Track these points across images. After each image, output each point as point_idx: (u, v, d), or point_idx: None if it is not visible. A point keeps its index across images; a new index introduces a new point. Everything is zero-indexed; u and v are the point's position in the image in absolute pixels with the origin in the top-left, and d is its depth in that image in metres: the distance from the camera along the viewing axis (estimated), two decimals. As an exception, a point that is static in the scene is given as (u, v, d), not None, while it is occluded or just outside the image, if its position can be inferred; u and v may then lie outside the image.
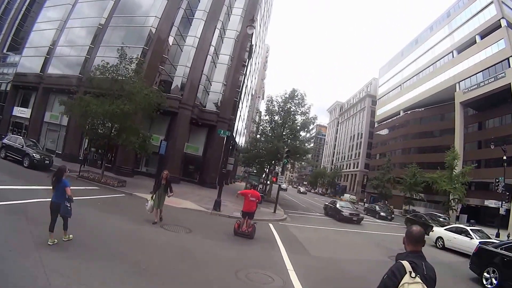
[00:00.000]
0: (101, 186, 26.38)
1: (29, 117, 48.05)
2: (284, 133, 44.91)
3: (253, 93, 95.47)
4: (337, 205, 38.32)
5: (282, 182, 34.49)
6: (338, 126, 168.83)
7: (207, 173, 46.52)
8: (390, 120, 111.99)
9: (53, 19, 50.54)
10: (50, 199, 10.01)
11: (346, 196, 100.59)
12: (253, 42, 33.76)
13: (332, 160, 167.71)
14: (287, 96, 46.10)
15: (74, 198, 10.38)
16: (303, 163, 59.28)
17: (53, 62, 47.65)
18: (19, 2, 75.46)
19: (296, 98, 45.89)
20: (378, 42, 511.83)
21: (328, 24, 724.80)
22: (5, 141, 30.15)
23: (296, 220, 30.96)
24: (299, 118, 46.18)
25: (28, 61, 50.86)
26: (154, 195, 16.38)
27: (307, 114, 46.14)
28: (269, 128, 47.00)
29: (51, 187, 10.19)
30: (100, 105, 27.14)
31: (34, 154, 27.88)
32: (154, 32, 41.83)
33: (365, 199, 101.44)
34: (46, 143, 46.01)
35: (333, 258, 16.86)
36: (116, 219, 15.97)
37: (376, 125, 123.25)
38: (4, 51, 70.57)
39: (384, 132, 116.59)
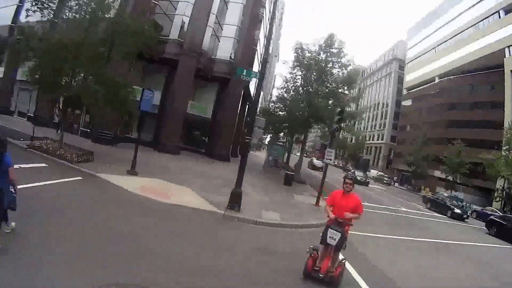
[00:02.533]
0: (55, 162, 17.87)
1: (1, 76, 40.17)
2: (320, 91, 34.03)
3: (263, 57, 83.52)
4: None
5: (330, 159, 23.73)
6: (358, 92, 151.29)
7: (218, 141, 36.63)
8: (423, 87, 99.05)
9: None
10: None
11: (373, 172, 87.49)
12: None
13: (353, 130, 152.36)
14: (322, 43, 34.66)
15: None
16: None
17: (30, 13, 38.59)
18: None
19: (334, 46, 34.51)
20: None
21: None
22: None
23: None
24: (338, 72, 35.30)
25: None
26: None
27: (347, 68, 35.16)
28: (299, 83, 36.17)
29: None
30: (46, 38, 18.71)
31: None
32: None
33: (395, 177, 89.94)
34: (18, 105, 38.95)
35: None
36: None
37: (404, 92, 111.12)
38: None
39: (415, 100, 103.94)
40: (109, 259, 7.83)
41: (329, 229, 8.60)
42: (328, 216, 9.03)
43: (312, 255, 9.15)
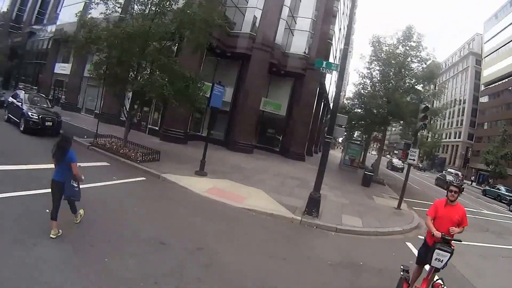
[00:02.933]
0: (118, 161, 17.07)
1: (69, 73, 41.22)
2: (399, 86, 32.07)
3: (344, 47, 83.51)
4: None
5: (413, 159, 21.63)
6: (435, 89, 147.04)
7: (293, 139, 35.34)
8: (501, 83, 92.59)
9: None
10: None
11: (451, 171, 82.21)
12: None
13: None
14: (400, 36, 32.64)
15: None
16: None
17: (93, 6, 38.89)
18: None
19: (412, 39, 32.34)
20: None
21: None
22: (10, 98, 23.65)
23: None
24: (417, 67, 33.07)
25: (68, 11, 41.79)
26: None
27: (427, 62, 32.90)
28: (377, 79, 33.97)
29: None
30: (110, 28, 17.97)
31: (30, 114, 19.66)
32: None
33: (472, 177, 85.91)
34: (86, 102, 39.09)
35: None
36: None
37: (482, 88, 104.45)
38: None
39: (493, 96, 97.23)
40: (171, 271, 6.89)
41: (437, 250, 6.83)
42: (432, 234, 7.10)
43: (406, 278, 7.62)
